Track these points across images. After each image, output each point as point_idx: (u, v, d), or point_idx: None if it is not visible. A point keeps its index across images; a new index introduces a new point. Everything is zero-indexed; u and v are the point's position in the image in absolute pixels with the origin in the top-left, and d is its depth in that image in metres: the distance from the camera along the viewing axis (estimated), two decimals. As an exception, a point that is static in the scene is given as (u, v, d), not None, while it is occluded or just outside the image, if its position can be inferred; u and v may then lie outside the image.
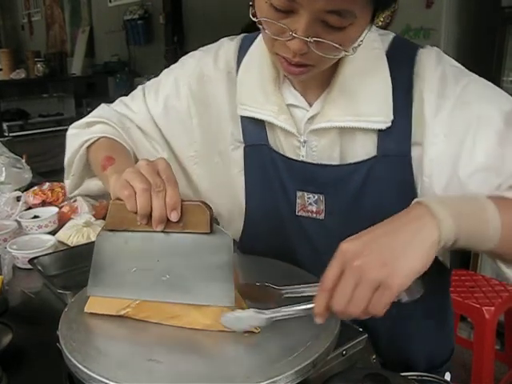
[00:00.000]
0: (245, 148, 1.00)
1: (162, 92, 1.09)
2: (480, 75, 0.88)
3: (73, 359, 0.73)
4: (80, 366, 0.72)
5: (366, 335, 0.85)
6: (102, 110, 1.17)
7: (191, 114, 1.05)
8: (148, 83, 1.15)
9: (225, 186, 1.06)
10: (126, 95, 1.17)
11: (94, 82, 7.00)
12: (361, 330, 0.86)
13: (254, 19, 0.77)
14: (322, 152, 0.91)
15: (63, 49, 8.33)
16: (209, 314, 0.78)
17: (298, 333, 0.77)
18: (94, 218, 1.75)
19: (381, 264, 0.64)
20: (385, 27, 3.34)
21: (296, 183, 0.95)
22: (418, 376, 0.83)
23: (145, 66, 6.67)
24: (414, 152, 0.87)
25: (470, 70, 0.88)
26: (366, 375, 0.73)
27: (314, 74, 0.82)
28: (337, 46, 0.73)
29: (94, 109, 1.19)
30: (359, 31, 0.75)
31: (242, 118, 0.98)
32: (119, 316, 0.84)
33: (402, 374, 0.82)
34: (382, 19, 3.32)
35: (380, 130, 0.86)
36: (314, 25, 0.71)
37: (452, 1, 3.00)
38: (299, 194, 0.95)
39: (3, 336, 1.07)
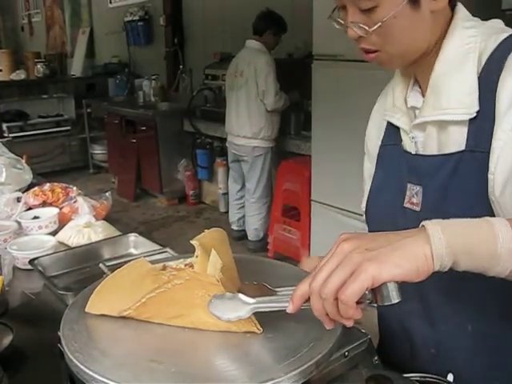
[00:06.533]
0: (380, 147, 1.09)
1: None
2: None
3: (74, 360, 0.73)
4: (82, 367, 0.72)
5: (369, 336, 0.85)
6: None
7: None
8: None
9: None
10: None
11: (93, 83, 7.00)
12: (363, 331, 0.86)
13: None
14: (425, 145, 0.97)
15: (63, 50, 8.34)
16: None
17: (300, 334, 0.77)
18: (94, 219, 1.74)
19: (366, 249, 0.66)
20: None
21: (407, 175, 1.00)
22: (420, 377, 0.83)
23: (145, 67, 6.67)
24: None
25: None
26: (370, 376, 0.73)
27: (386, 59, 0.93)
28: (363, 26, 0.87)
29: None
30: (387, 11, 0.85)
31: (387, 122, 1.07)
32: (121, 317, 0.84)
33: (405, 375, 0.82)
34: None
35: (470, 125, 0.88)
36: (354, 13, 0.88)
37: (452, 3, 3.00)
38: (409, 185, 0.99)
39: (3, 337, 1.07)
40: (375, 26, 0.86)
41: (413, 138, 0.98)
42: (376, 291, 0.65)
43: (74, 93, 6.83)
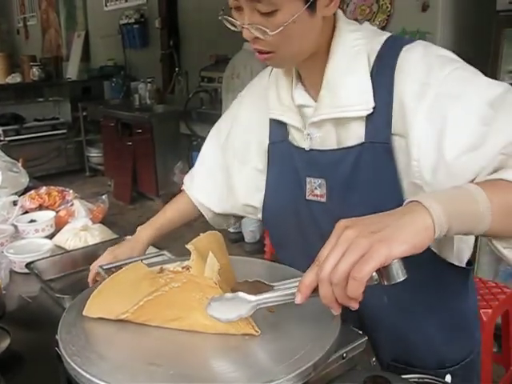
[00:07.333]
0: (269, 145, 1.14)
1: None
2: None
3: (72, 363, 0.73)
4: (80, 370, 0.71)
5: (366, 337, 0.85)
6: None
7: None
8: None
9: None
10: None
11: (89, 86, 7.00)
12: (361, 332, 0.86)
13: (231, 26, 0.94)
14: (323, 141, 1.02)
15: (59, 53, 8.33)
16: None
17: (298, 335, 0.77)
18: (91, 222, 1.74)
19: (371, 232, 0.67)
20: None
21: (305, 170, 1.05)
22: (418, 378, 0.83)
23: (141, 69, 6.67)
24: (397, 142, 0.93)
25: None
26: (367, 377, 0.73)
27: (279, 60, 0.97)
28: (264, 28, 0.88)
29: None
30: (287, 16, 0.88)
31: (270, 120, 1.12)
32: (119, 320, 0.84)
33: (403, 376, 0.82)
34: (377, 23, 3.33)
35: (367, 119, 0.94)
36: (252, 15, 0.89)
37: (447, 4, 3.01)
38: (308, 179, 1.05)
39: (1, 340, 1.07)
40: (277, 30, 0.88)
41: (308, 134, 1.03)
42: (382, 271, 0.66)
43: (69, 96, 6.82)
